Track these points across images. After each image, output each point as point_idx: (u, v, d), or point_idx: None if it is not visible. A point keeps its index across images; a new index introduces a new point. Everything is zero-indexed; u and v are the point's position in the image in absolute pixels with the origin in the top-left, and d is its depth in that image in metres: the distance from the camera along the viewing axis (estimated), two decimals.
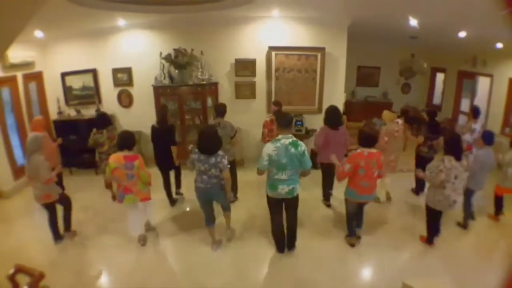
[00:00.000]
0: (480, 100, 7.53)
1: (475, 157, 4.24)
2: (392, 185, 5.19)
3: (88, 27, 6.08)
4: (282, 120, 3.44)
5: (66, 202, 4.16)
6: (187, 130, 6.24)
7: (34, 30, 5.47)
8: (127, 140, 3.72)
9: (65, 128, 6.32)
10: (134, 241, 4.12)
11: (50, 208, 3.98)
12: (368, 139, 3.61)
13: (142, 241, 4.06)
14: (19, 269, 2.68)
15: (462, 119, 8.07)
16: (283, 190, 3.41)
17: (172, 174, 5.11)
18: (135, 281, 3.51)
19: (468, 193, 4.22)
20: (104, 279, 3.64)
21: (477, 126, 5.48)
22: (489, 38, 5.91)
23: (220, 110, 4.64)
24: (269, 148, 3.34)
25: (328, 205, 4.99)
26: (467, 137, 5.42)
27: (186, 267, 3.75)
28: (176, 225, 4.58)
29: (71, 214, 4.24)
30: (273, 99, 6.38)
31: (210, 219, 3.86)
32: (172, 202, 5.11)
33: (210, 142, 3.51)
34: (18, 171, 5.78)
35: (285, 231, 3.80)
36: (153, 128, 4.79)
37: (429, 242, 3.94)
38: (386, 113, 5.05)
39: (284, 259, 3.82)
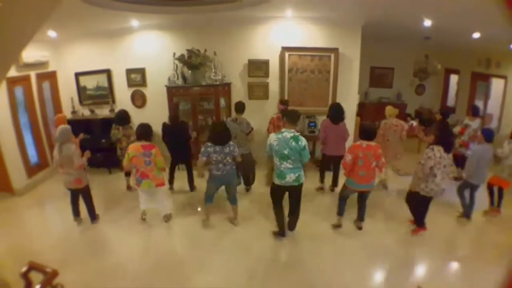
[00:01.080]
0: (494, 102, 7.43)
1: (472, 151, 4.47)
2: (401, 184, 5.47)
3: (101, 27, 6.13)
4: (291, 116, 3.77)
5: (87, 194, 4.47)
6: (200, 131, 6.22)
7: (47, 30, 5.51)
8: (146, 132, 4.25)
9: (78, 128, 6.30)
10: (143, 236, 4.35)
11: (74, 192, 4.35)
12: (366, 133, 3.94)
13: (144, 215, 4.55)
14: (32, 267, 2.66)
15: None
16: (291, 178, 3.72)
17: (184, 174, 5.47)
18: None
19: (471, 188, 4.43)
20: (114, 276, 3.65)
21: (473, 123, 5.53)
22: (504, 39, 5.82)
23: (240, 107, 5.03)
24: (271, 138, 3.74)
25: (322, 188, 5.50)
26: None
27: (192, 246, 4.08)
28: (181, 214, 4.86)
29: (93, 203, 4.56)
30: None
31: (210, 198, 4.33)
32: (171, 187, 5.52)
33: (223, 134, 4.07)
34: (31, 170, 5.83)
35: (288, 217, 4.13)
36: (165, 125, 5.11)
37: (421, 225, 4.15)
38: (388, 108, 5.40)
39: (285, 245, 4.12)
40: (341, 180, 4.77)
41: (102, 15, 5.03)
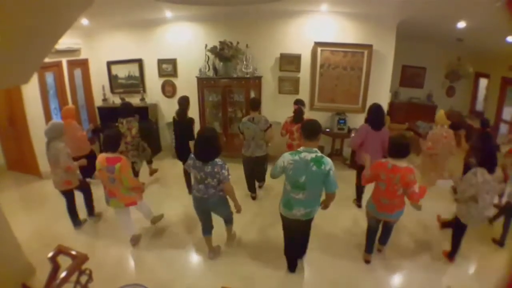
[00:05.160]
0: None
1: None
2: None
3: (134, 17, 6.19)
4: (308, 130, 2.85)
5: (85, 189, 4.22)
6: (229, 123, 6.24)
7: (80, 18, 5.55)
8: (111, 141, 3.42)
9: (108, 115, 6.38)
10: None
11: (68, 195, 4.02)
12: (397, 149, 3.10)
13: (133, 241, 3.80)
14: (61, 251, 2.59)
15: (503, 128, 7.77)
16: (298, 211, 2.95)
17: None
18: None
19: (510, 208, 3.86)
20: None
21: None
22: None
23: (255, 104, 4.53)
24: (285, 159, 2.85)
25: (359, 206, 4.76)
26: None
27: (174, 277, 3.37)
28: (176, 227, 4.27)
29: (92, 200, 4.34)
30: (316, 95, 6.31)
31: (207, 229, 3.50)
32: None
33: (205, 147, 3.05)
34: None
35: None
36: (173, 120, 4.76)
37: (450, 257, 3.62)
38: (441, 115, 4.64)
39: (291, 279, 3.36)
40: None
41: (135, 5, 5.05)
